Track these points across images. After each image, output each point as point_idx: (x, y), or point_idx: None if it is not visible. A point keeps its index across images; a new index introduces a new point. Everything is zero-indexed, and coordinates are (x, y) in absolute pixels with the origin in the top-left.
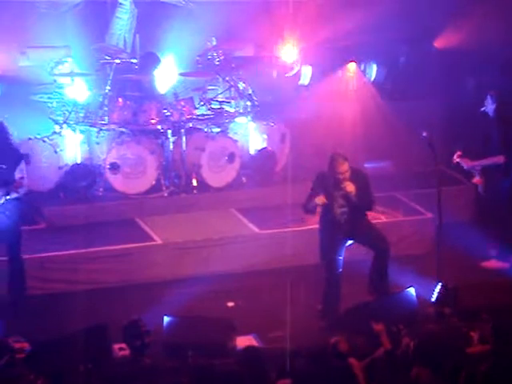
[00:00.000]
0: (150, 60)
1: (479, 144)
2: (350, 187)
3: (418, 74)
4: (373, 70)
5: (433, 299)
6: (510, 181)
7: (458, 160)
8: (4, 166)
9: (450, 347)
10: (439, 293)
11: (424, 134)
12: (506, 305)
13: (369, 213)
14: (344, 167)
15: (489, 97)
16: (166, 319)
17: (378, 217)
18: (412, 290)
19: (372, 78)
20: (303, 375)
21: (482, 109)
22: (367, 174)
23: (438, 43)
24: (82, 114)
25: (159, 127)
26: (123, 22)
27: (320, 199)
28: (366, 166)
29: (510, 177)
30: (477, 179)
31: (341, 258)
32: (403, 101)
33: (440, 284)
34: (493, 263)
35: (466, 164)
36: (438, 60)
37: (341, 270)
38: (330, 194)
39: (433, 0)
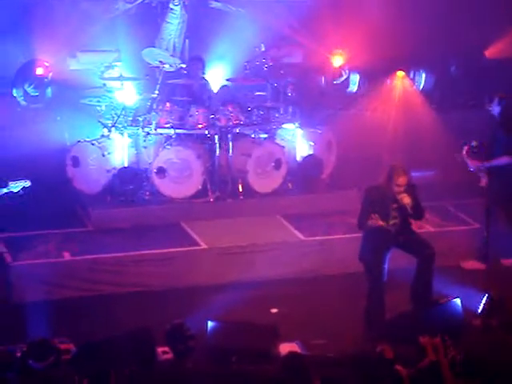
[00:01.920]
0: (195, 63)
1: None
2: (407, 199)
3: (467, 84)
4: (422, 79)
5: (479, 311)
6: None
7: (464, 157)
8: None
9: (497, 360)
10: (486, 304)
11: (473, 143)
12: None
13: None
14: (404, 180)
15: (496, 99)
16: (210, 324)
17: (423, 226)
18: (458, 301)
19: (421, 87)
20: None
21: (488, 108)
22: (415, 184)
23: (489, 53)
24: (130, 118)
25: (206, 132)
26: (173, 27)
27: (375, 222)
28: (413, 174)
29: None
30: (483, 182)
31: (385, 266)
32: (452, 110)
33: (487, 295)
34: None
35: (471, 164)
36: (488, 70)
37: (385, 278)
38: (383, 207)
39: (484, 10)
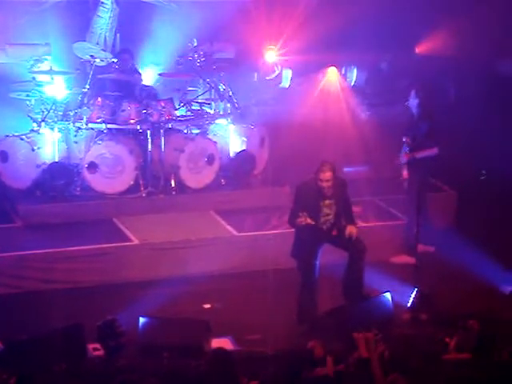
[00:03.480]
0: (123, 55)
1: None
2: (352, 229)
3: (398, 80)
4: (353, 75)
5: (409, 305)
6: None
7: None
8: None
9: (425, 353)
10: (415, 298)
11: (404, 139)
12: (483, 312)
13: None
14: (327, 175)
15: (413, 92)
16: (142, 320)
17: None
18: (388, 295)
19: (352, 83)
20: (273, 379)
21: (406, 103)
22: (345, 180)
23: (420, 49)
24: (60, 113)
25: (138, 127)
26: (104, 21)
27: (303, 220)
28: (345, 170)
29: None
30: (405, 173)
31: (317, 262)
32: (382, 106)
33: (416, 290)
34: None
35: (403, 158)
36: (418, 66)
37: (317, 274)
38: (314, 203)
39: (415, 7)
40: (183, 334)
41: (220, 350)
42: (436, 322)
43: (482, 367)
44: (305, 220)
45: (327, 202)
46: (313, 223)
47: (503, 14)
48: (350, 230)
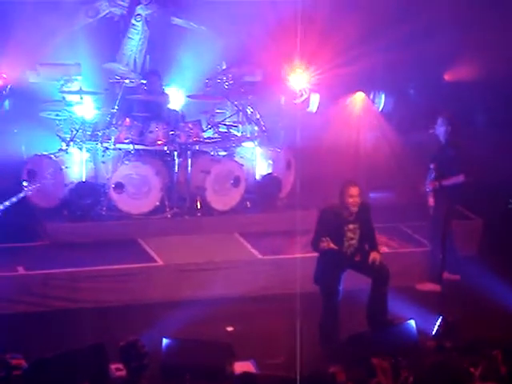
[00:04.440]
0: (151, 77)
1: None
2: (375, 255)
3: (426, 106)
4: (381, 100)
5: (433, 332)
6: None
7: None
8: None
9: (450, 382)
10: (440, 326)
11: (431, 166)
12: (507, 339)
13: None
14: (355, 190)
15: (440, 119)
16: (165, 341)
17: (379, 247)
18: (412, 323)
19: (380, 108)
20: None
21: (431, 131)
22: (369, 204)
23: (448, 76)
24: (89, 133)
25: (165, 148)
26: (134, 43)
27: (326, 245)
28: (370, 195)
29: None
30: (431, 200)
31: (340, 287)
32: (410, 132)
33: (441, 317)
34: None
35: (430, 185)
36: (447, 93)
37: (340, 298)
38: (338, 228)
39: (444, 33)
40: (206, 357)
41: (247, 374)
42: (461, 350)
43: None
44: (327, 245)
45: (351, 226)
46: (335, 248)
47: None
48: (374, 255)
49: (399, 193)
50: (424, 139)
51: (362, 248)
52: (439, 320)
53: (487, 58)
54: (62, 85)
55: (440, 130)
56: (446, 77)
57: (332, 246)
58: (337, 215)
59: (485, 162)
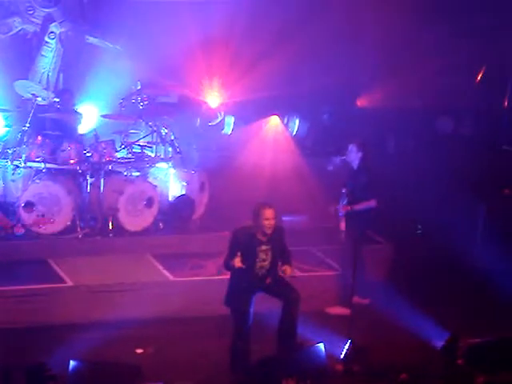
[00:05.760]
0: (63, 95)
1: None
2: (288, 270)
3: (339, 131)
4: (295, 124)
5: (342, 356)
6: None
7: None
8: None
9: None
10: (348, 350)
11: (343, 190)
12: (412, 364)
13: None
14: (271, 212)
15: (351, 146)
16: (72, 363)
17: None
18: (321, 346)
19: (294, 132)
20: None
21: (343, 157)
22: (283, 227)
23: (361, 102)
24: None
25: (78, 168)
26: (48, 60)
27: (238, 262)
28: (283, 219)
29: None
30: (343, 225)
31: (251, 310)
32: (322, 156)
33: (349, 341)
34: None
35: (341, 210)
36: (359, 118)
37: (251, 321)
38: (250, 249)
39: (357, 59)
40: (114, 379)
41: None
42: (368, 374)
43: None
44: (238, 261)
45: (264, 247)
46: (243, 267)
47: (444, 72)
48: (285, 267)
49: (311, 216)
50: (336, 164)
51: (273, 270)
52: (348, 344)
53: (399, 84)
54: None
55: (351, 156)
56: (359, 102)
57: (240, 264)
58: (250, 236)
59: (395, 186)
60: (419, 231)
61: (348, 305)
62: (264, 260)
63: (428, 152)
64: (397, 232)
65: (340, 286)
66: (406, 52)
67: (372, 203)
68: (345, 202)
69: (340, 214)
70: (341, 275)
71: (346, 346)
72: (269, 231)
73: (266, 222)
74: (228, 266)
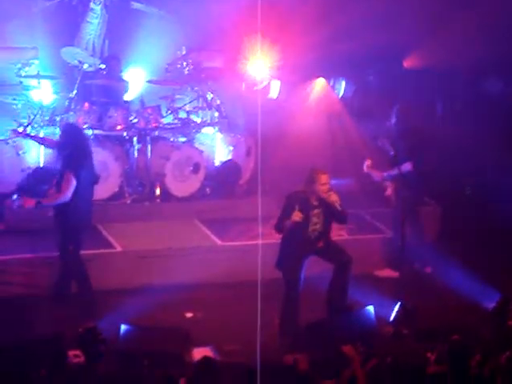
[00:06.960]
0: (111, 62)
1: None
2: (334, 197)
3: (385, 93)
4: (341, 87)
5: (391, 319)
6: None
7: (368, 171)
8: None
9: (407, 367)
10: (398, 313)
11: (391, 153)
12: (462, 326)
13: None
14: (326, 177)
15: (396, 109)
16: (123, 327)
17: (340, 233)
18: (371, 309)
19: (340, 95)
20: None
21: (388, 122)
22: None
23: (407, 63)
24: (47, 118)
25: (125, 134)
26: (93, 27)
27: (297, 215)
28: (331, 182)
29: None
30: (389, 192)
31: (302, 274)
32: (370, 119)
33: (399, 304)
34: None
35: (376, 176)
36: (406, 80)
37: (302, 285)
38: (304, 212)
39: (404, 20)
40: (164, 343)
41: (207, 359)
42: (417, 336)
43: (461, 381)
44: (298, 215)
45: (316, 211)
46: (300, 220)
47: (491, 31)
48: (334, 197)
49: (360, 180)
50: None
51: (325, 233)
52: (397, 306)
53: (446, 45)
54: (20, 69)
55: (396, 119)
56: (406, 64)
57: (300, 215)
58: (304, 200)
59: (444, 149)
60: (468, 192)
61: (396, 267)
62: (316, 223)
63: (476, 113)
64: (446, 194)
65: (390, 248)
66: (456, 12)
67: (407, 167)
68: (392, 165)
69: (388, 177)
70: (391, 238)
71: (396, 309)
72: (325, 195)
73: (322, 187)
74: (280, 227)
